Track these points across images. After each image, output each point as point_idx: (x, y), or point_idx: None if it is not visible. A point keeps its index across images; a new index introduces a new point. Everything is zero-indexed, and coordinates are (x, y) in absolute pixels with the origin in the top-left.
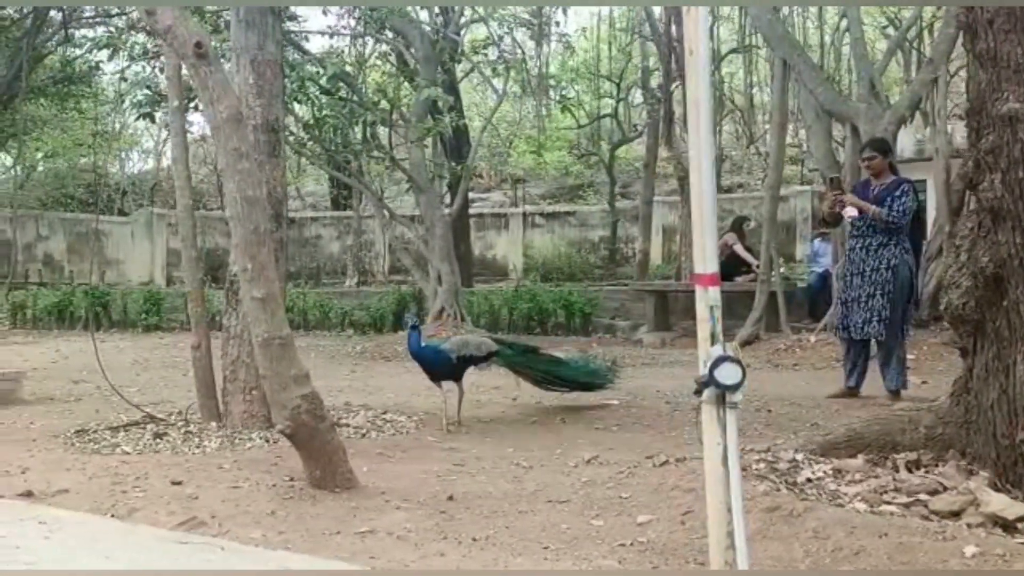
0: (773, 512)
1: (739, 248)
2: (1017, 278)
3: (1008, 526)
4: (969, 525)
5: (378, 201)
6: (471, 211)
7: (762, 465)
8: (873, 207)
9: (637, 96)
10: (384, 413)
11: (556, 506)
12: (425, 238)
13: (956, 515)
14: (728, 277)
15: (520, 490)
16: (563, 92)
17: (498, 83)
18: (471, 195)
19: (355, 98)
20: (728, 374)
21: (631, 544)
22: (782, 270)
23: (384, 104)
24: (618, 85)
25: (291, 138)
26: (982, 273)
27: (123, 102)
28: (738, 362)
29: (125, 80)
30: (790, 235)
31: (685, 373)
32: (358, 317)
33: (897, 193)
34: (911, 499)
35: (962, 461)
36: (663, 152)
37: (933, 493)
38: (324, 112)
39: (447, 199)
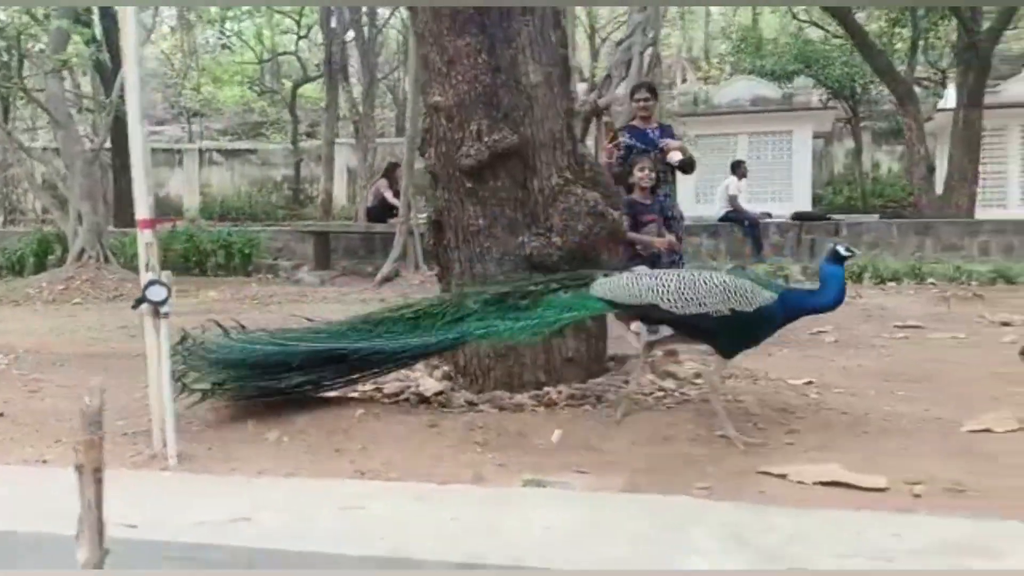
0: None
1: (388, 195)
2: (449, 224)
3: (425, 400)
4: (405, 401)
5: (5, 134)
6: None
7: None
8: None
9: (319, 36)
10: None
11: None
12: (65, 175)
13: (398, 395)
14: (381, 219)
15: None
16: (240, 23)
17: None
18: None
19: None
20: (157, 293)
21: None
22: (422, 213)
23: (10, 32)
24: (298, 23)
25: None
26: (430, 220)
27: None
28: (165, 285)
29: None
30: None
31: (334, 309)
32: None
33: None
34: (398, 391)
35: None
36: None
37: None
38: None
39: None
